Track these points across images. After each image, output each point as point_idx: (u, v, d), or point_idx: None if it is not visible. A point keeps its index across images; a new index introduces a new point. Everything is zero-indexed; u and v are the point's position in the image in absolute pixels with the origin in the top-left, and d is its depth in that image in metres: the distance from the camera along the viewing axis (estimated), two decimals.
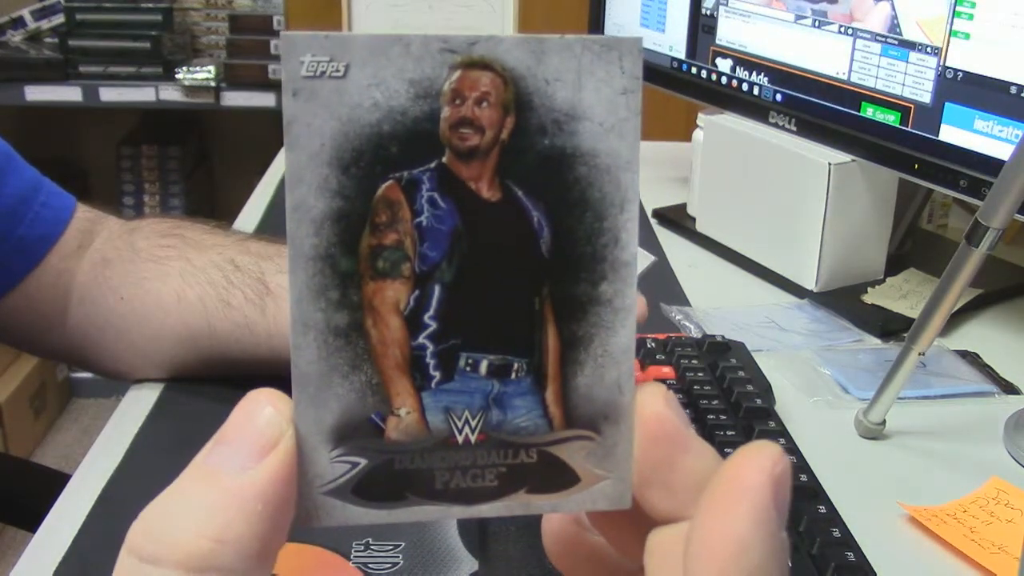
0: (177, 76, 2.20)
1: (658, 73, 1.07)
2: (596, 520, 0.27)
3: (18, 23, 2.29)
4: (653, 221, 1.08)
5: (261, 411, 0.23)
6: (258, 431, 0.23)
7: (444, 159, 0.24)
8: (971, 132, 0.76)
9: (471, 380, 0.24)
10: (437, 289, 0.24)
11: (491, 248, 0.24)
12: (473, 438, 0.24)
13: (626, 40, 0.24)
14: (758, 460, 0.22)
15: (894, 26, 0.81)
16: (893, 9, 0.80)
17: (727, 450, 0.30)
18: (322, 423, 0.24)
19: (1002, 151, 0.73)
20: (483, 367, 0.24)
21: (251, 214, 1.09)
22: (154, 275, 0.69)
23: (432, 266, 0.24)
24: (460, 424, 0.24)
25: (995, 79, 0.73)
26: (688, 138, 1.06)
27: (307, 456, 0.24)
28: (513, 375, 0.25)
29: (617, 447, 0.25)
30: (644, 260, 0.95)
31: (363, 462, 0.24)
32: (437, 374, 0.24)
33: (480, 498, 0.24)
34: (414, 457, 0.24)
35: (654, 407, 0.24)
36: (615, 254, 0.24)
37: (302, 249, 0.23)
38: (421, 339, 0.24)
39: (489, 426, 0.24)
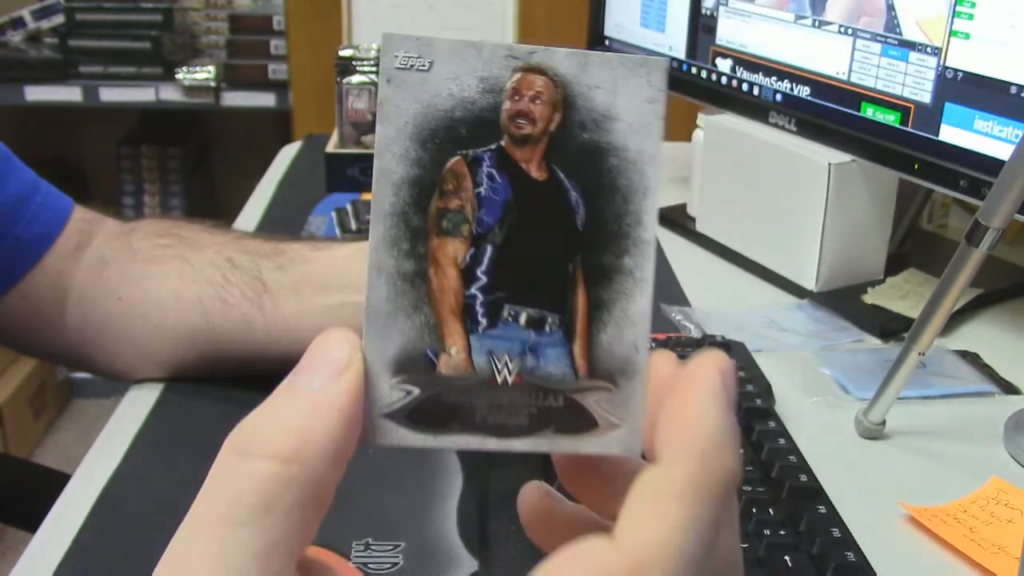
0: (177, 76, 2.21)
1: None
2: (575, 484, 0.31)
3: (18, 23, 2.29)
4: None
5: (333, 343, 0.27)
6: (332, 358, 0.27)
7: (502, 143, 0.29)
8: (971, 132, 0.76)
9: (512, 328, 0.29)
10: (489, 249, 0.29)
11: (536, 219, 0.29)
12: (511, 379, 0.29)
13: (654, 60, 0.29)
14: (706, 358, 0.27)
15: (894, 26, 0.81)
16: (892, 8, 0.80)
17: None
18: (386, 353, 0.28)
19: (1002, 151, 0.73)
20: (522, 318, 0.29)
21: (251, 214, 1.09)
22: (152, 275, 0.69)
23: (486, 229, 0.29)
24: (500, 366, 0.29)
25: (995, 79, 0.73)
26: (688, 138, 1.06)
27: (371, 381, 0.28)
28: (547, 328, 0.29)
29: (631, 399, 0.29)
30: None
31: (416, 391, 0.28)
32: (484, 320, 0.29)
33: (512, 433, 0.28)
34: (459, 392, 0.28)
35: (667, 367, 0.28)
36: (637, 232, 0.29)
37: (382, 206, 0.28)
38: (473, 290, 0.29)
39: (525, 370, 0.29)
